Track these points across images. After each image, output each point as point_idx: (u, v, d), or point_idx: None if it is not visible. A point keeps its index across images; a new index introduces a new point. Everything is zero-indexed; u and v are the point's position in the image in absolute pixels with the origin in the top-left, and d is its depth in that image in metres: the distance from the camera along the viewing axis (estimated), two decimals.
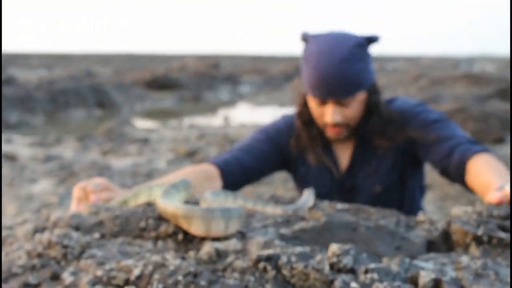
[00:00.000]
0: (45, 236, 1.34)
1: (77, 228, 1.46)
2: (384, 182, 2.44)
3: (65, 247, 1.31)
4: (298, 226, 1.46)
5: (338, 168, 2.51)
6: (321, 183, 2.52)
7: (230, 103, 23.56)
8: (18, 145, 11.01)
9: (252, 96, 25.85)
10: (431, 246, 1.43)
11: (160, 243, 1.38)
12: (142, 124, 15.36)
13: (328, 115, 2.32)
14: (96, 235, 1.43)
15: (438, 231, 1.47)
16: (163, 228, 1.42)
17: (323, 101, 2.33)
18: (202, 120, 16.66)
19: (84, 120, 17.38)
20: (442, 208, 6.70)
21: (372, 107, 2.39)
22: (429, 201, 6.97)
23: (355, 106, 2.33)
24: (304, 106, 2.49)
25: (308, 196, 1.70)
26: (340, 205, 1.71)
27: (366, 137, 2.46)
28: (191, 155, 9.73)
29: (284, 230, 1.44)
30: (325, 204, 1.74)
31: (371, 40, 2.33)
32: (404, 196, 2.51)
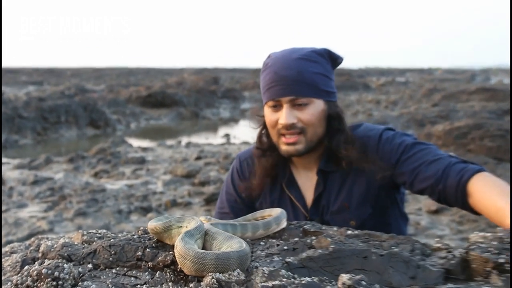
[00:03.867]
0: (35, 268, 1.33)
1: (69, 259, 1.46)
2: (358, 216, 2.37)
3: (56, 279, 1.30)
4: (305, 254, 1.45)
5: (304, 203, 2.47)
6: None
7: (231, 120, 23.60)
8: (5, 167, 11.03)
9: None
10: (448, 276, 1.42)
11: (157, 274, 1.37)
12: (138, 143, 15.38)
13: (282, 116, 2.30)
14: (89, 265, 1.42)
15: (456, 259, 1.46)
16: (161, 258, 1.41)
17: (277, 103, 2.32)
18: (201, 139, 16.68)
19: (76, 139, 17.41)
20: (460, 233, 6.67)
21: (334, 124, 2.37)
22: (445, 225, 6.94)
23: (311, 111, 2.31)
24: (264, 128, 2.50)
25: (280, 215, 1.74)
26: (349, 231, 1.70)
27: (330, 162, 2.41)
28: (190, 177, 9.73)
29: (290, 259, 1.43)
30: (333, 230, 1.73)
31: (333, 56, 2.38)
32: (385, 229, 2.40)
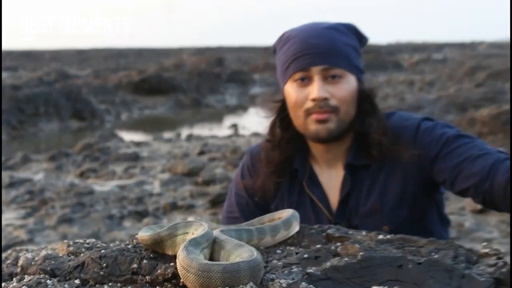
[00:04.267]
0: (13, 286, 1.34)
1: (52, 274, 1.46)
2: (392, 220, 2.36)
3: None
4: (330, 263, 1.45)
5: (328, 204, 2.46)
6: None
7: (239, 108, 23.62)
8: None
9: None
10: (498, 286, 1.41)
11: None
12: (130, 137, 15.42)
13: (314, 90, 2.30)
14: (77, 281, 1.43)
15: (507, 267, 1.45)
16: (160, 271, 1.42)
17: (306, 75, 2.32)
18: (204, 130, 16.72)
19: (58, 134, 17.49)
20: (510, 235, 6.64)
21: (365, 105, 2.39)
22: (493, 226, 6.92)
23: (345, 86, 2.32)
24: (278, 117, 2.51)
25: (290, 217, 1.73)
26: (381, 235, 1.70)
27: (360, 154, 2.41)
28: (192, 175, 9.75)
29: (312, 269, 1.43)
30: (362, 234, 1.73)
31: (359, 34, 2.43)
32: (424, 236, 2.38)
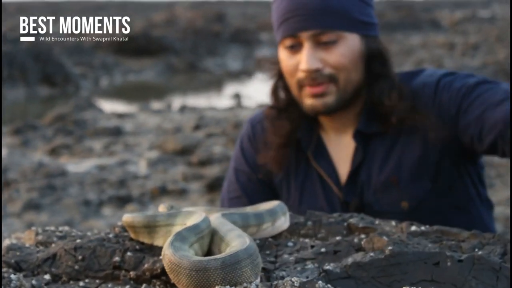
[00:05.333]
0: None
1: (17, 267, 1.46)
2: (412, 195, 2.35)
3: None
4: (351, 259, 1.45)
5: (337, 178, 2.48)
6: (316, 205, 2.45)
7: (243, 73, 23.57)
8: None
9: None
10: None
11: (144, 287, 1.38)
12: (111, 107, 15.43)
13: (303, 60, 2.31)
14: (47, 276, 1.43)
15: None
16: (148, 265, 1.42)
17: (295, 42, 2.33)
18: (201, 100, 16.70)
19: (24, 102, 17.50)
20: None
21: (375, 66, 2.38)
22: None
23: (342, 50, 2.31)
24: (279, 79, 2.51)
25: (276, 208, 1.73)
26: (414, 227, 1.70)
27: (372, 120, 2.41)
28: (185, 153, 9.76)
29: (330, 266, 1.43)
30: (391, 225, 1.73)
31: None
32: (458, 217, 2.35)
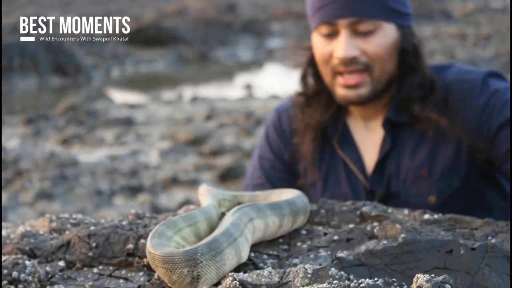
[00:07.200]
0: None
1: (32, 254, 1.47)
2: (441, 190, 2.37)
3: (14, 282, 1.31)
4: (365, 247, 1.45)
5: (363, 167, 2.49)
6: (339, 193, 2.49)
7: (254, 64, 23.53)
8: None
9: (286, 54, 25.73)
10: None
11: (156, 275, 1.38)
12: (122, 97, 15.43)
13: (339, 47, 2.31)
14: (61, 263, 1.43)
15: None
16: None
17: (332, 30, 2.33)
18: (212, 91, 16.67)
19: (36, 93, 17.51)
20: None
21: (408, 59, 2.38)
22: None
23: (380, 40, 2.32)
24: (310, 65, 2.52)
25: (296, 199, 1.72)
26: (427, 215, 1.69)
27: (403, 109, 2.41)
28: (197, 144, 9.76)
29: (343, 253, 1.43)
30: (404, 213, 1.73)
31: None
32: (480, 212, 2.32)
